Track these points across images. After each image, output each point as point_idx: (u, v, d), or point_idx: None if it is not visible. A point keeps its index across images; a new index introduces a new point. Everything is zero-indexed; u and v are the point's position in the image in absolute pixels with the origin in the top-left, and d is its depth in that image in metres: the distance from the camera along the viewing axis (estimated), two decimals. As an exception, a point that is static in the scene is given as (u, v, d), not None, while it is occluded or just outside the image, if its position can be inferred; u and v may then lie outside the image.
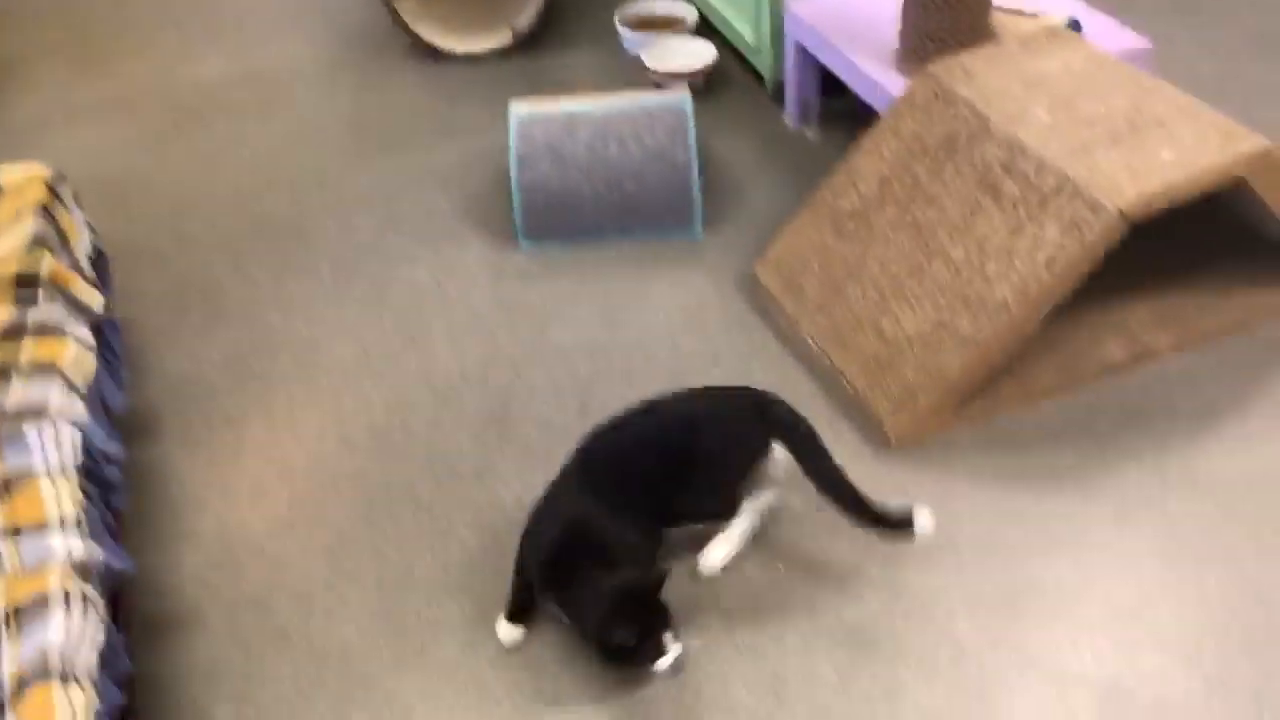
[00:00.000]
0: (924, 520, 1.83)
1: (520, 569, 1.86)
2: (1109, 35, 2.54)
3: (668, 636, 1.68)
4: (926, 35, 2.45)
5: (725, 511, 1.90)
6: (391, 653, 1.85)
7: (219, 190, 3.02)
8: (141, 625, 1.92)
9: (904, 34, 2.52)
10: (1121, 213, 1.91)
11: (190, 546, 2.05)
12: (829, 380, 2.27)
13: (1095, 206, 1.93)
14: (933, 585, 1.88)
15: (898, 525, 1.85)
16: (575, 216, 2.68)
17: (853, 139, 2.42)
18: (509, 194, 2.73)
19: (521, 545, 1.86)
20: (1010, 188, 2.07)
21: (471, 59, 3.48)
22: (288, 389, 2.38)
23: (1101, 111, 2.13)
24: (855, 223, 2.32)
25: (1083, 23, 2.56)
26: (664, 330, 2.45)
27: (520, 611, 1.85)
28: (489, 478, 2.14)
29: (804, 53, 2.86)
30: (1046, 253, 1.98)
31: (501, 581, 1.91)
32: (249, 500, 2.13)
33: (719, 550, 1.89)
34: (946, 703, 1.71)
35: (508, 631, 1.84)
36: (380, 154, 3.12)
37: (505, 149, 2.93)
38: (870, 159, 2.35)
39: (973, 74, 2.28)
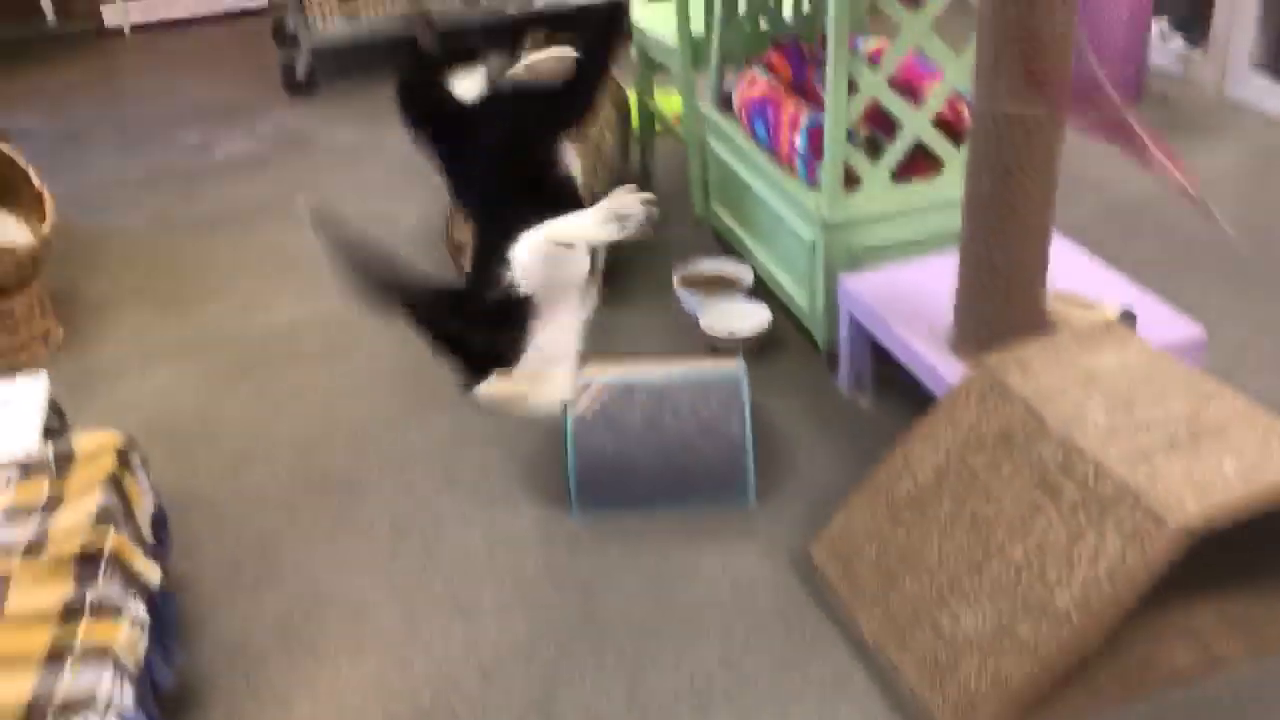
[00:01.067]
0: None
1: None
2: (1163, 324, 2.57)
3: None
4: (981, 321, 2.48)
5: None
6: None
7: (280, 439, 3.09)
8: None
9: (958, 318, 2.56)
10: (1184, 528, 1.88)
11: (225, 839, 2.00)
12: (886, 678, 2.21)
13: (1157, 520, 1.90)
14: None
15: None
16: (629, 485, 2.70)
17: (908, 409, 2.43)
18: (562, 456, 2.76)
19: None
20: (1070, 491, 2.06)
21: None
22: (335, 662, 2.36)
23: (1159, 416, 2.13)
24: (911, 511, 2.30)
25: (1136, 309, 2.59)
26: (715, 609, 2.42)
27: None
28: (534, 772, 2.08)
29: (857, 324, 2.92)
30: (1108, 563, 1.94)
31: None
32: (288, 788, 2.09)
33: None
34: None
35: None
36: (439, 407, 3.18)
37: (560, 413, 2.98)
38: (926, 445, 2.35)
39: (1028, 368, 2.30)
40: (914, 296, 2.80)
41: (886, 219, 2.98)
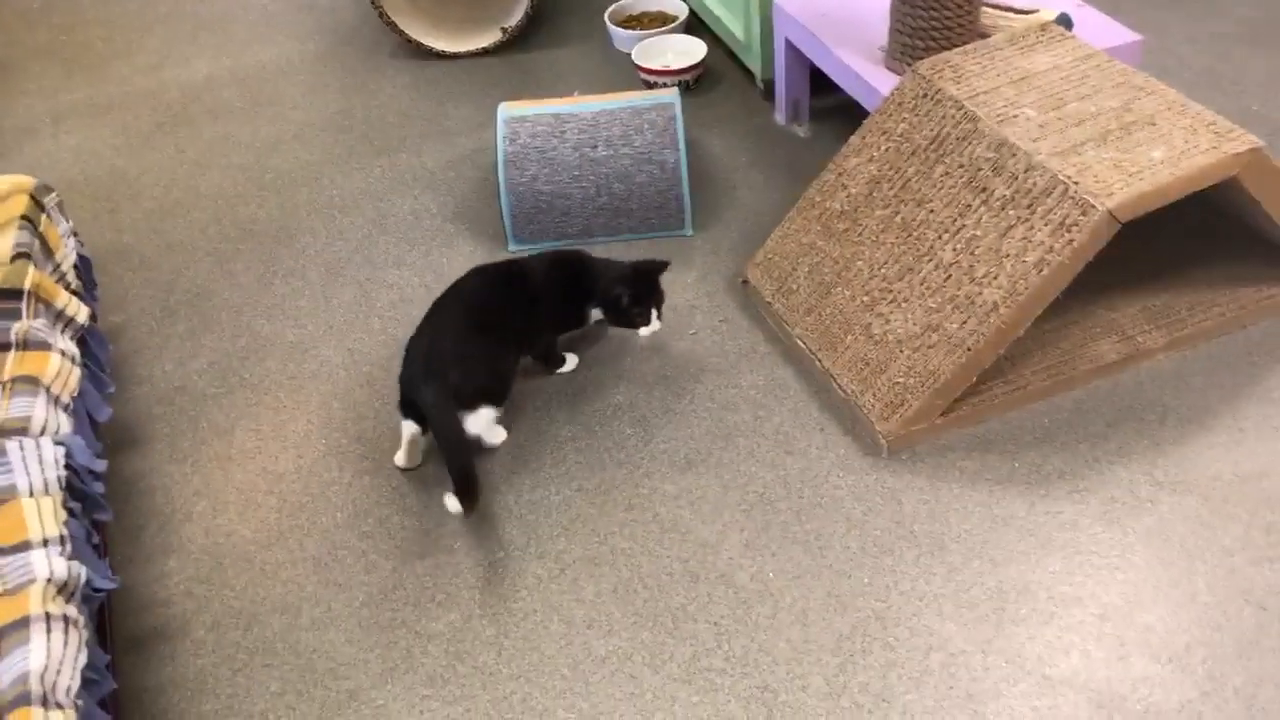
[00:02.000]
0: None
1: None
2: (1100, 29, 2.52)
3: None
4: (915, 32, 2.42)
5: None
6: (380, 664, 1.84)
7: (205, 193, 3.00)
8: (127, 639, 1.91)
9: (892, 31, 2.49)
10: (1111, 214, 1.89)
11: (177, 559, 2.04)
12: (820, 383, 2.25)
13: (1085, 208, 1.91)
14: (923, 590, 1.87)
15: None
16: (564, 218, 2.67)
17: (843, 137, 2.40)
18: (497, 196, 2.72)
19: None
20: (1000, 188, 2.06)
21: (460, 58, 3.46)
22: (275, 396, 2.36)
23: (1091, 110, 2.11)
24: (845, 223, 2.30)
25: (1073, 17, 2.54)
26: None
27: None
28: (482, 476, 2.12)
29: (794, 50, 2.84)
30: (1036, 254, 1.96)
31: (491, 587, 1.91)
32: (237, 511, 2.12)
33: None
34: (936, 709, 1.70)
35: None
36: (368, 155, 3.10)
37: (493, 150, 2.91)
38: (859, 159, 2.33)
39: (961, 72, 2.26)
40: (849, 17, 2.72)
41: (821, -65, 2.86)
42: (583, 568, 1.97)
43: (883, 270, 2.20)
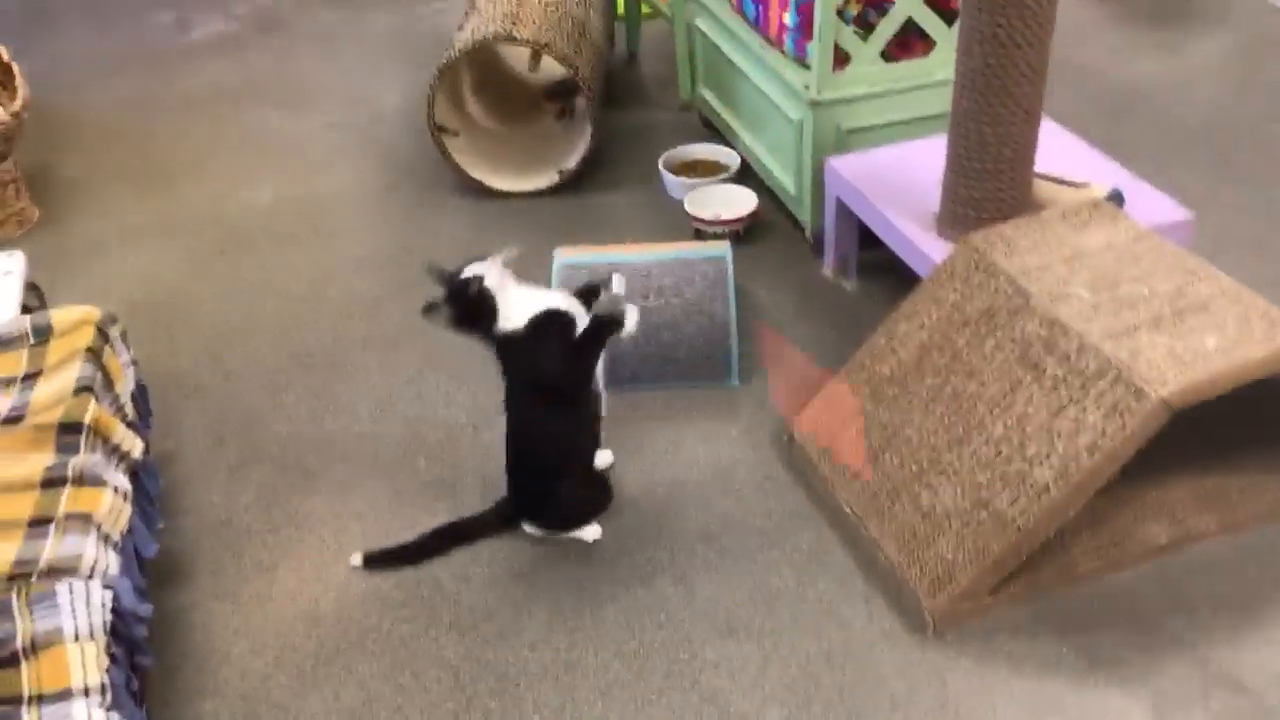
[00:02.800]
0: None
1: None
2: (1152, 206, 2.55)
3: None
4: (967, 202, 2.46)
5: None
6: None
7: (262, 319, 3.07)
8: (159, 786, 1.89)
9: (945, 199, 2.53)
10: (1165, 401, 1.89)
11: (213, 703, 2.03)
12: (865, 551, 2.24)
13: (1139, 394, 1.91)
14: (968, 780, 1.82)
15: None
16: (613, 364, 2.69)
17: (890, 292, 2.43)
18: (548, 339, 2.75)
19: None
20: (1052, 367, 2.06)
21: (517, 197, 3.54)
22: (320, 535, 2.38)
23: (1144, 293, 2.12)
24: (894, 388, 2.31)
25: (1125, 192, 2.57)
26: (697, 486, 2.44)
27: None
28: (514, 641, 2.11)
29: (844, 207, 2.89)
30: (1088, 437, 1.96)
31: (524, 757, 1.89)
32: (275, 654, 2.12)
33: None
34: None
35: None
36: (423, 289, 3.14)
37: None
38: (910, 325, 2.35)
39: (1014, 246, 2.29)
40: (900, 178, 2.77)
41: (875, 99, 2.93)
42: (619, 735, 1.94)
43: (932, 439, 2.19)
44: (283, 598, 2.24)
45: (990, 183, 2.43)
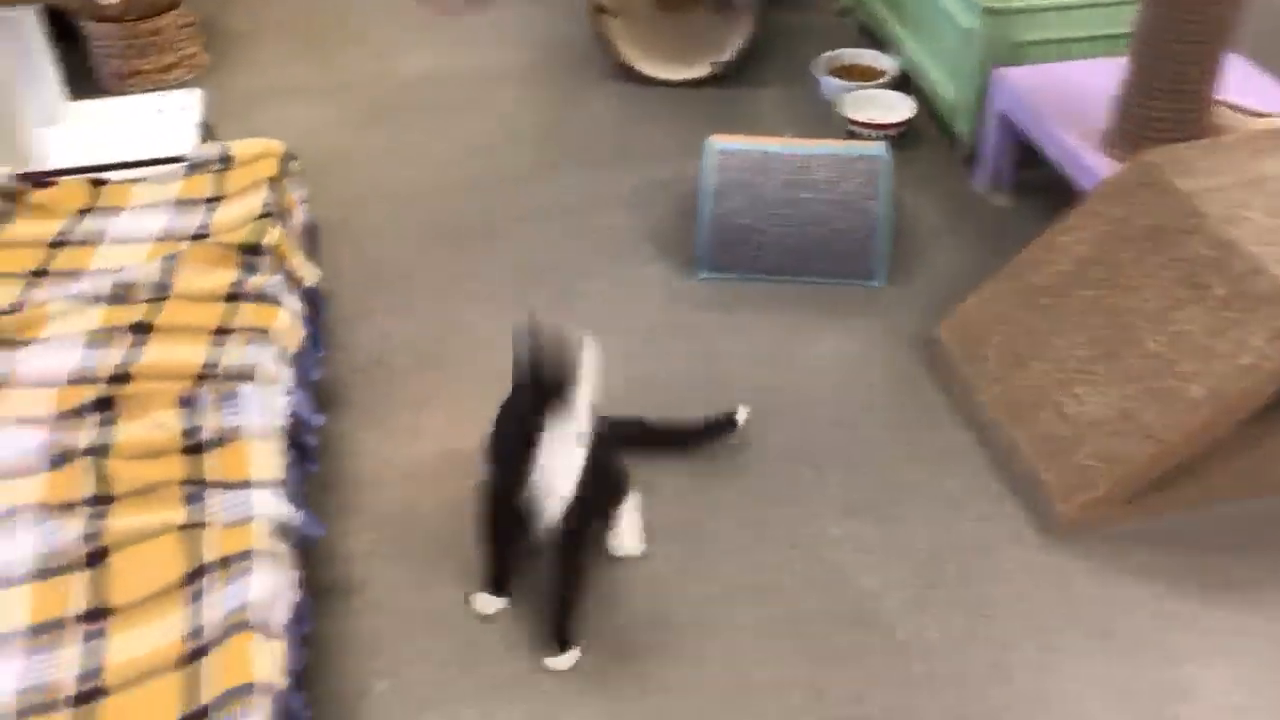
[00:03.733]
0: (741, 414, 2.26)
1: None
2: (1333, 142, 2.48)
3: None
4: (1144, 122, 2.42)
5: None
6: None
7: (415, 182, 3.15)
8: (312, 587, 2.01)
9: (1120, 116, 2.49)
10: (1336, 329, 1.87)
11: (364, 520, 2.15)
12: (1000, 453, 2.26)
13: (1309, 319, 1.89)
14: (1086, 674, 1.86)
15: (722, 427, 2.24)
16: (758, 253, 2.73)
17: (1041, 212, 2.41)
18: (691, 222, 2.79)
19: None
20: (1218, 287, 2.04)
21: (669, 86, 3.56)
22: (465, 383, 2.47)
23: (1323, 222, 2.08)
24: (1048, 298, 2.31)
25: (1306, 126, 2.50)
26: (834, 376, 2.47)
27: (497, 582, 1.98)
28: (649, 498, 2.18)
29: (1006, 119, 2.86)
30: (1249, 359, 1.94)
31: (656, 598, 1.97)
32: (422, 483, 2.22)
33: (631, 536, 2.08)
34: (1092, 797, 1.69)
35: (486, 603, 1.97)
36: (570, 168, 3.21)
37: (690, 178, 2.99)
38: (1070, 237, 2.33)
39: (1190, 167, 2.25)
40: (1070, 94, 2.72)
41: (1051, 11, 2.87)
42: (745, 596, 2.01)
43: (1082, 351, 2.19)
44: (430, 433, 2.34)
45: (1170, 102, 2.38)
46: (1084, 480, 2.08)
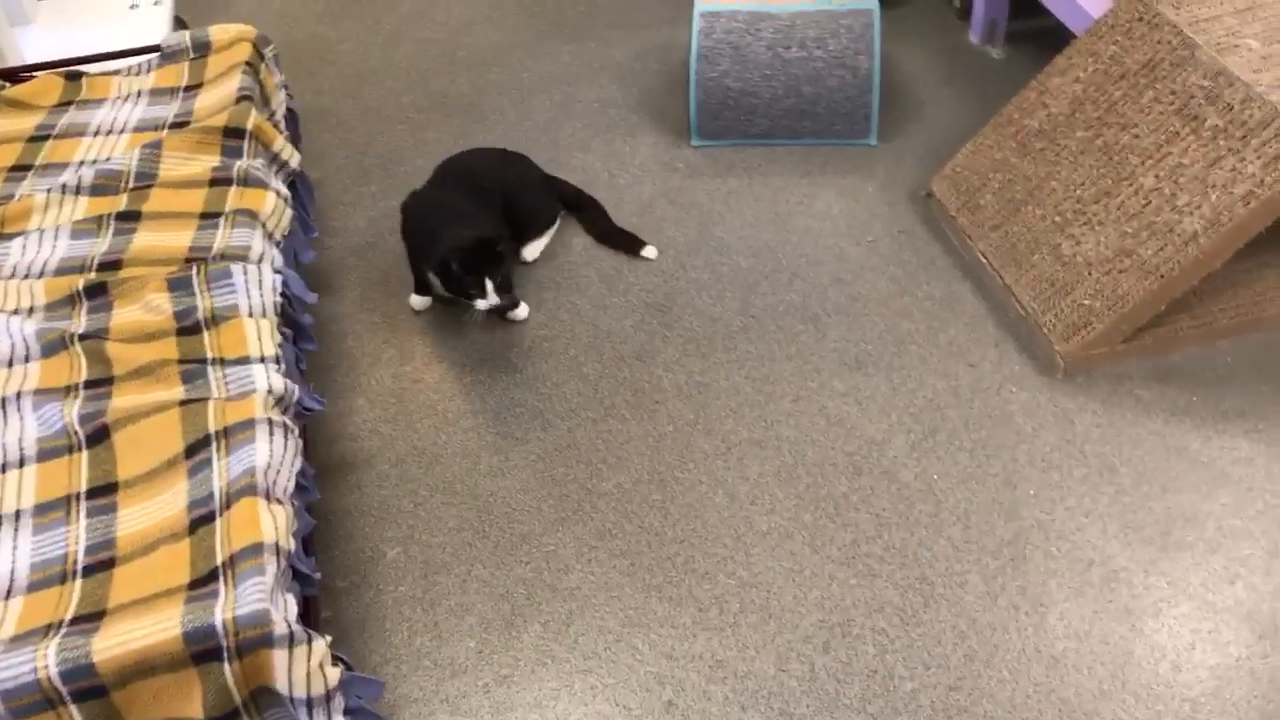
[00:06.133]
0: (649, 251, 2.45)
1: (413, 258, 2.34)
2: (1332, -33, 2.41)
3: (489, 286, 2.12)
4: (1136, -46, 2.35)
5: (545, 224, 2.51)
6: (553, 513, 1.93)
7: (400, 64, 3.10)
8: (317, 465, 2.04)
9: (1111, -48, 2.42)
10: (1334, 149, 1.84)
11: (366, 398, 2.16)
12: (998, 299, 2.25)
13: (1306, 141, 1.86)
14: (1089, 507, 1.88)
15: (631, 245, 2.46)
16: (750, 116, 2.69)
17: (1037, 61, 2.36)
18: (684, 91, 2.75)
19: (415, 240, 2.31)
20: (1212, 118, 2.01)
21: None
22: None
23: (1321, 44, 2.04)
24: (1042, 142, 2.27)
25: (1305, -47, 2.43)
26: (830, 235, 2.46)
27: (422, 286, 2.33)
28: (650, 361, 2.19)
29: (998, -33, 2.79)
30: (1245, 187, 1.92)
31: (660, 455, 1.99)
32: (423, 361, 2.23)
33: (535, 247, 2.46)
34: (1094, 618, 1.72)
35: (418, 301, 2.35)
36: (557, 41, 3.15)
37: (683, 46, 2.94)
38: (1063, 78, 2.29)
39: (1183, -3, 2.20)
40: (1063, -65, 2.65)
41: None
42: (748, 449, 2.03)
43: (1078, 192, 2.17)
44: (428, 313, 2.34)
45: (1163, -68, 2.31)
46: (1083, 320, 2.08)
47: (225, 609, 1.34)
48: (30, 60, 2.56)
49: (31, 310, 1.82)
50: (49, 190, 2.04)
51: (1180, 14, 2.17)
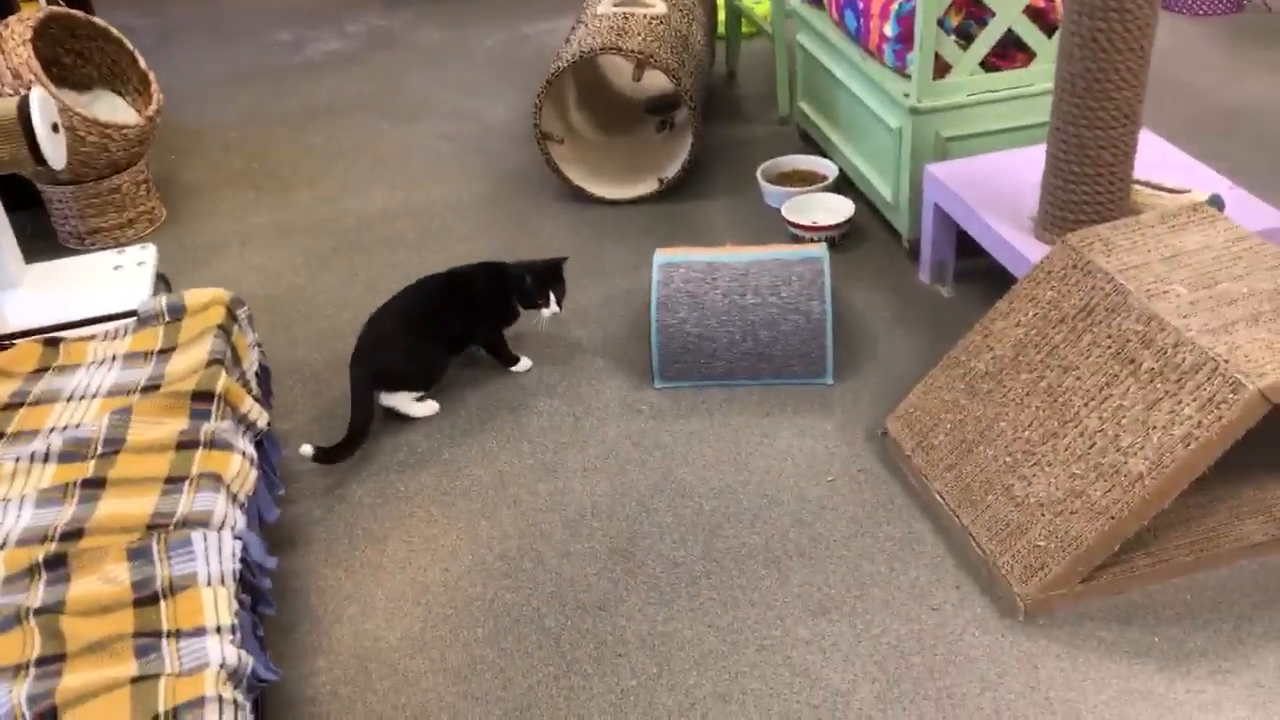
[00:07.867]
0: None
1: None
2: (1252, 212, 2.56)
3: (553, 298, 2.83)
4: (1066, 206, 2.50)
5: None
6: None
7: (374, 315, 3.20)
8: (276, 732, 2.00)
9: (1043, 203, 2.57)
10: (1263, 394, 1.90)
11: (326, 659, 2.14)
12: (957, 540, 2.27)
13: (1235, 386, 1.93)
14: (1057, 760, 1.85)
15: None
16: (709, 360, 2.77)
17: (986, 299, 2.47)
18: (647, 335, 2.84)
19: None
20: (1148, 361, 2.09)
21: (619, 204, 3.65)
22: (428, 510, 2.48)
23: (1243, 291, 2.14)
24: (989, 383, 2.35)
25: (1225, 199, 2.58)
26: (790, 475, 2.49)
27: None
28: (613, 611, 2.19)
29: (941, 213, 2.94)
30: (1183, 429, 1.98)
31: (623, 714, 1.96)
32: (385, 617, 2.22)
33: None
34: None
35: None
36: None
37: (643, 290, 3.06)
38: (1006, 322, 2.39)
39: (1112, 246, 2.31)
40: (998, 184, 2.81)
41: (975, 107, 2.98)
42: (712, 704, 2.00)
43: (1026, 433, 2.23)
44: (393, 566, 2.35)
45: (1089, 186, 2.46)
46: (1039, 561, 2.09)
47: None
48: (15, 326, 2.65)
49: (-10, 585, 1.82)
50: (17, 459, 2.08)
51: (1111, 261, 2.28)
